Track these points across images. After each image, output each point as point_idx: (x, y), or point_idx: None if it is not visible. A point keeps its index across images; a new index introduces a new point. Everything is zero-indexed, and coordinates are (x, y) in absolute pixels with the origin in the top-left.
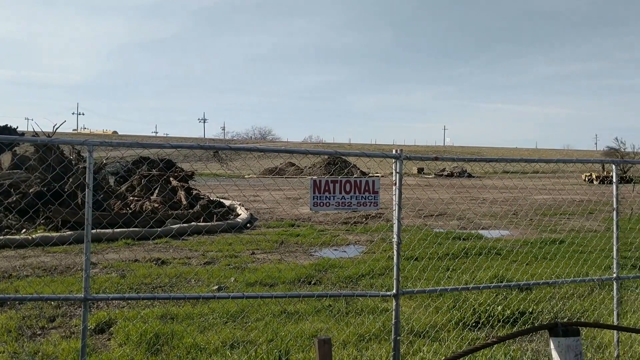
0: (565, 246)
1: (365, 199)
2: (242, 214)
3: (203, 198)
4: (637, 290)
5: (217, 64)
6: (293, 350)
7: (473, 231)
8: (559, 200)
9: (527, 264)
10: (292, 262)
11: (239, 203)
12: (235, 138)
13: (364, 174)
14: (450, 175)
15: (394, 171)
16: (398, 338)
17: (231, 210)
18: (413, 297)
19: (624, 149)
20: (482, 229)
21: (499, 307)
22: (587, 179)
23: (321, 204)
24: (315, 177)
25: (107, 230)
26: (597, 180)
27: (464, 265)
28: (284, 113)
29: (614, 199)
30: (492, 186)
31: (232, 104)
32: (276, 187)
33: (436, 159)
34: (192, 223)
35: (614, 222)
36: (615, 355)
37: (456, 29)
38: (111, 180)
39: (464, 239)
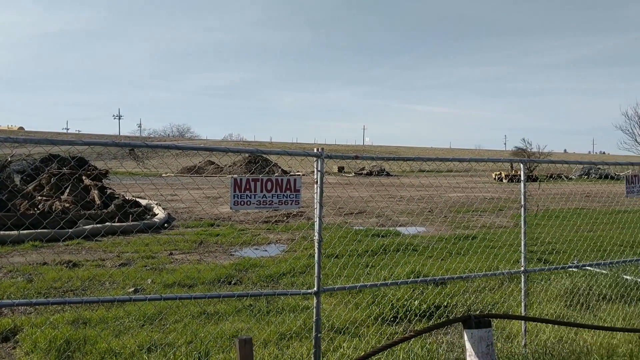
0: (477, 242)
1: (286, 197)
2: (160, 213)
3: (118, 197)
4: (542, 283)
5: (133, 58)
6: (213, 352)
7: (391, 228)
8: (471, 197)
9: (442, 260)
10: (212, 262)
11: (156, 202)
12: (152, 136)
13: (285, 172)
14: (370, 174)
15: (315, 170)
16: (319, 335)
17: (148, 210)
18: (333, 295)
19: (531, 149)
20: (400, 226)
21: (416, 301)
22: (497, 178)
23: (242, 203)
24: (235, 175)
25: (12, 232)
26: (506, 179)
27: (382, 262)
28: (203, 110)
29: (522, 197)
30: (409, 184)
31: (148, 101)
32: (195, 186)
33: (356, 157)
34: (106, 223)
35: (522, 219)
36: (522, 344)
37: (375, 30)
38: (17, 179)
39: (382, 236)
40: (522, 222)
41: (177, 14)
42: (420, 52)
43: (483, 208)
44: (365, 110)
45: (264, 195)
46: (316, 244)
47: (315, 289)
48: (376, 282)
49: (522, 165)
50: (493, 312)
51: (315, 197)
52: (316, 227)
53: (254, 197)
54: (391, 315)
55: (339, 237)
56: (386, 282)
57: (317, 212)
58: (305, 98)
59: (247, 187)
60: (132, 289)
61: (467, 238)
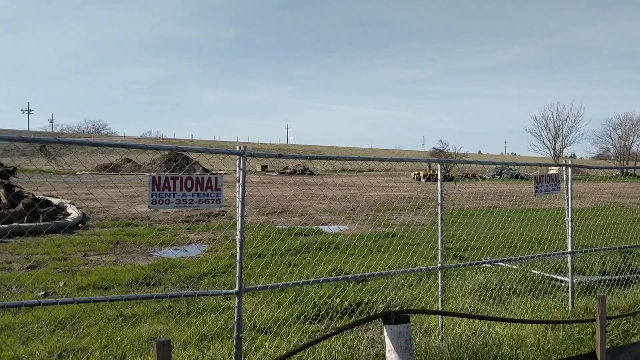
0: (397, 239)
1: (207, 196)
2: (73, 213)
3: (27, 196)
4: (458, 278)
5: (44, 49)
6: (130, 355)
7: (314, 227)
8: (391, 196)
9: (363, 257)
10: (129, 263)
11: (69, 201)
12: (65, 131)
13: (206, 171)
14: (293, 173)
15: (237, 168)
16: (240, 335)
17: (60, 209)
18: (256, 294)
19: (447, 150)
20: (323, 224)
21: (337, 299)
22: (415, 177)
23: (160, 202)
24: (154, 173)
25: None
26: (424, 179)
27: (305, 260)
28: (120, 106)
29: (439, 195)
30: (332, 183)
31: (62, 95)
32: (111, 184)
33: (280, 156)
34: (14, 224)
35: (439, 217)
36: (439, 338)
37: (300, 30)
38: None
39: (305, 235)
40: (439, 221)
41: (92, 4)
42: (344, 53)
43: (402, 206)
44: (289, 109)
45: (184, 194)
46: (238, 244)
47: (236, 288)
48: (298, 281)
49: (439, 165)
50: (412, 307)
51: (237, 195)
52: (238, 226)
53: (173, 196)
54: (313, 314)
55: (262, 236)
56: (308, 280)
57: (239, 211)
58: (229, 96)
59: (166, 185)
60: (42, 293)
61: (387, 236)
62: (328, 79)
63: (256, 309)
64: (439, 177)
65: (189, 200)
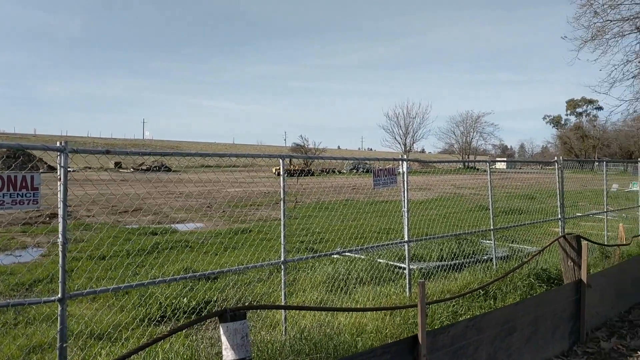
0: (252, 235)
1: (22, 196)
2: None
3: None
4: (308, 271)
5: None
6: None
7: (167, 225)
8: (250, 192)
9: (217, 255)
10: None
11: None
12: None
13: (52, 168)
14: (149, 169)
15: (58, 165)
16: (65, 345)
17: None
18: (96, 299)
19: (307, 145)
20: (177, 222)
21: (185, 299)
22: (276, 172)
23: None
24: None
25: None
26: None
27: (156, 261)
28: None
29: (281, 191)
30: (190, 180)
31: None
32: None
33: (107, 152)
34: None
35: (282, 212)
36: (283, 331)
37: (158, 21)
38: None
39: (157, 234)
40: (282, 215)
41: None
42: (203, 48)
43: (260, 202)
44: (146, 103)
45: None
46: (60, 247)
47: (59, 295)
48: (142, 282)
49: (281, 161)
50: (263, 302)
51: (59, 195)
52: (60, 228)
53: None
54: (159, 315)
55: (111, 236)
56: (154, 280)
57: (60, 211)
58: (79, 88)
59: None
60: None
61: (243, 232)
62: (187, 73)
63: (95, 314)
64: (281, 172)
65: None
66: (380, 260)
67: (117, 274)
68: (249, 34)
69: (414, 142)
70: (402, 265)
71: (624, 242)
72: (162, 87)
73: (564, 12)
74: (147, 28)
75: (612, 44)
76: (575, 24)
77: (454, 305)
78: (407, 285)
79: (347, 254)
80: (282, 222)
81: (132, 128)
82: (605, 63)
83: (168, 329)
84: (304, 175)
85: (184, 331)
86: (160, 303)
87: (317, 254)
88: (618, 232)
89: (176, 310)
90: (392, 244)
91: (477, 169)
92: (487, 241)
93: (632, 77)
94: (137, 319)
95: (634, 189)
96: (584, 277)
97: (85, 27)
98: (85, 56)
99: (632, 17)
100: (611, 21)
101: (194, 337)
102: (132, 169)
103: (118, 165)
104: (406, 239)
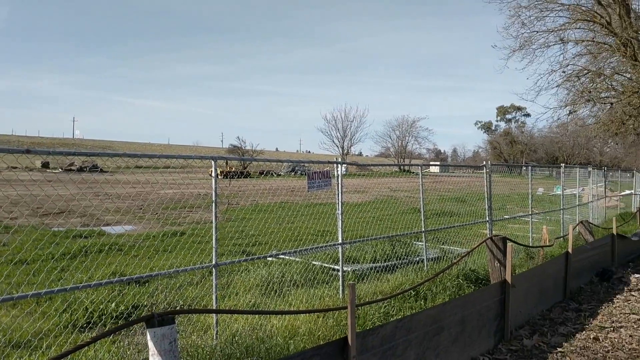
0: (186, 237)
1: None
2: None
3: None
4: (242, 274)
5: None
6: None
7: (96, 228)
8: (186, 194)
9: (148, 258)
10: None
11: None
12: None
13: None
14: (81, 170)
15: None
16: None
17: None
18: (16, 305)
19: (245, 147)
20: (107, 225)
21: (112, 304)
22: (210, 174)
23: None
24: None
25: None
26: (221, 175)
27: (81, 265)
28: None
29: (213, 193)
30: (123, 181)
31: None
32: None
33: (28, 151)
34: None
35: (213, 214)
36: (214, 335)
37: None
38: None
39: (85, 237)
40: (214, 217)
41: None
42: (137, 45)
43: (196, 204)
44: (76, 101)
45: None
46: None
47: None
48: (66, 287)
49: (213, 163)
50: (194, 306)
51: None
52: None
53: None
54: (85, 321)
55: (34, 240)
56: (78, 285)
57: None
58: (2, 83)
59: None
60: None
61: (176, 234)
62: (121, 70)
63: (14, 322)
64: (212, 174)
65: None
66: (315, 263)
67: (37, 279)
68: (184, 34)
69: (351, 145)
70: (337, 267)
71: (547, 244)
72: (94, 84)
73: (495, 21)
74: (78, 22)
75: (538, 54)
76: (505, 34)
77: (385, 306)
78: (341, 287)
79: (282, 256)
80: (213, 225)
81: (61, 126)
82: (532, 72)
83: (94, 334)
84: (242, 177)
85: (110, 337)
86: (86, 308)
87: (251, 257)
88: (542, 234)
89: (103, 316)
90: (326, 246)
91: (412, 172)
92: (420, 243)
93: (556, 86)
94: (60, 326)
95: (558, 192)
96: (508, 278)
97: (10, 18)
98: (9, 49)
99: (556, 29)
100: (537, 32)
101: (121, 343)
102: (60, 169)
103: (46, 165)
104: (340, 241)
